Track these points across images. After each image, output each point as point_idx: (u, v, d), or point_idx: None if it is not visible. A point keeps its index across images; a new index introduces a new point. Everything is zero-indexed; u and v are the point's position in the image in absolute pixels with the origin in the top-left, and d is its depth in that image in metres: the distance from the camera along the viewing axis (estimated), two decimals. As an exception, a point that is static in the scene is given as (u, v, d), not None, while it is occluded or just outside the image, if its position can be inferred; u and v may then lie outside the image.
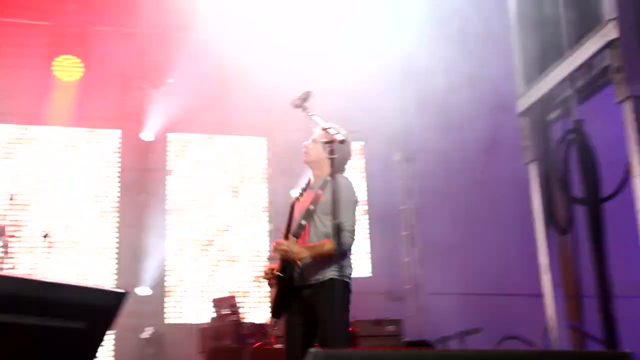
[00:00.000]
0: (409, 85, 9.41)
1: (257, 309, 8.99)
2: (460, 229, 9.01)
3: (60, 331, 2.14)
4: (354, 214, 4.03)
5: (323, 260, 3.94)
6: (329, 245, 3.89)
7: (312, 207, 4.08)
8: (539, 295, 5.56)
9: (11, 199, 5.94)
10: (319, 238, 4.00)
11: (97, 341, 2.26)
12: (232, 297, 6.83)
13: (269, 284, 4.11)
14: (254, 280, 9.04)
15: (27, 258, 8.21)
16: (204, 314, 8.46)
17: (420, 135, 9.41)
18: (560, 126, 5.11)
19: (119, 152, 9.03)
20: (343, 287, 3.90)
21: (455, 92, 8.30)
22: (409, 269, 9.33)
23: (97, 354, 2.32)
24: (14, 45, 8.38)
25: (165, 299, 8.80)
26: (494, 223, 9.05)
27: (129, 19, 8.73)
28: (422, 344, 6.53)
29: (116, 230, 8.80)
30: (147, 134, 8.99)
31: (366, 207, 9.71)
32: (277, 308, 4.05)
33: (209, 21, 8.81)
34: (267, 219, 9.39)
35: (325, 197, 4.01)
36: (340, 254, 3.87)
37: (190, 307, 8.87)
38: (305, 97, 4.01)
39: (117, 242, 8.77)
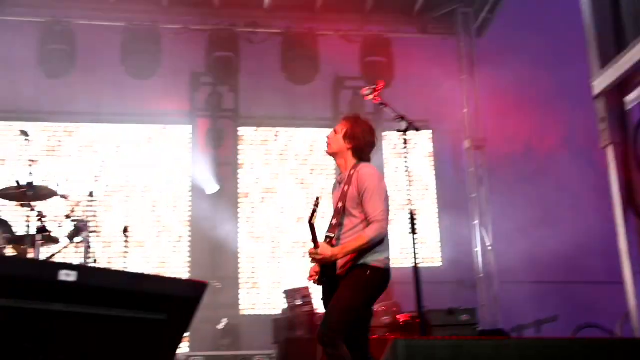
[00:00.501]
0: (478, 71, 9.30)
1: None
2: (532, 215, 8.85)
3: (144, 322, 2.17)
4: (381, 202, 3.90)
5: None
6: (360, 240, 3.84)
7: (340, 204, 4.03)
8: (617, 282, 5.41)
9: (91, 196, 6.12)
10: (353, 234, 3.94)
11: (180, 332, 2.29)
12: (305, 288, 6.87)
13: (316, 284, 4.10)
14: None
15: (106, 252, 8.49)
16: (278, 305, 8.57)
17: (491, 122, 9.29)
18: (639, 108, 4.95)
19: (190, 147, 9.20)
20: (372, 272, 3.84)
21: (526, 78, 8.17)
22: (481, 257, 9.21)
23: (179, 345, 2.37)
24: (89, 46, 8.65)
25: (240, 291, 8.94)
26: (568, 208, 8.86)
27: (197, 17, 8.90)
28: (498, 332, 6.43)
29: (189, 223, 8.98)
30: (218, 129, 9.12)
31: (436, 197, 9.63)
32: (326, 304, 3.98)
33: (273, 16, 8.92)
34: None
35: (352, 190, 3.96)
36: (374, 245, 3.84)
37: (263, 299, 8.99)
38: (377, 87, 3.99)
39: (190, 235, 8.94)
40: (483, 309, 8.80)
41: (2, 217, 5.98)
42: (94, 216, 6.27)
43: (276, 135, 9.55)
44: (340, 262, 3.91)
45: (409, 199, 3.85)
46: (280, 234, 9.22)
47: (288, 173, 9.45)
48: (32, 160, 5.27)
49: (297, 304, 6.76)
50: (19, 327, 1.94)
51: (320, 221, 3.85)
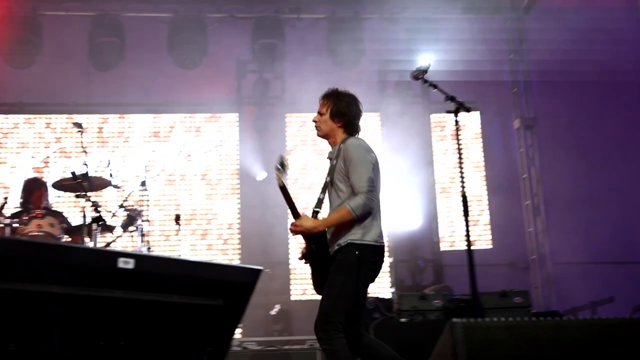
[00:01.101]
0: (527, 50, 9.15)
1: (380, 283, 9.04)
2: (585, 194, 8.70)
3: (200, 308, 2.20)
4: (367, 173, 3.77)
5: (344, 226, 3.78)
6: (343, 211, 3.73)
7: (328, 178, 3.98)
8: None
9: (143, 185, 6.23)
10: (337, 206, 3.86)
11: (236, 317, 2.32)
12: (356, 272, 6.87)
13: (307, 264, 4.05)
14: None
15: (159, 241, 8.65)
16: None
17: (540, 101, 9.13)
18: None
19: (238, 135, 9.27)
20: (361, 250, 3.74)
21: (575, 56, 8.00)
22: (533, 239, 9.08)
23: (235, 331, 2.40)
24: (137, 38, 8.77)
25: (291, 276, 9.01)
26: (622, 187, 8.67)
27: (242, 5, 8.93)
28: (553, 314, 6.34)
29: (238, 211, 9.06)
30: (265, 116, 9.17)
31: (484, 178, 9.52)
32: (316, 284, 3.94)
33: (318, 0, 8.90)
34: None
35: (339, 164, 3.88)
36: (361, 218, 3.74)
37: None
38: (425, 69, 3.95)
39: (240, 223, 9.03)
40: (536, 291, 8.70)
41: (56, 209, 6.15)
42: (146, 205, 6.37)
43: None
44: (332, 240, 3.84)
45: (462, 182, 3.80)
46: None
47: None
48: (86, 152, 5.38)
49: (348, 288, 6.76)
50: (80, 314, 2.00)
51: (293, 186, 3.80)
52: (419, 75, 3.95)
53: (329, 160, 4.06)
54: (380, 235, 3.84)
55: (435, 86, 3.95)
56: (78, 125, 5.45)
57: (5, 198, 5.81)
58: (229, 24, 8.90)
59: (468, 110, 3.79)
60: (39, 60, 8.46)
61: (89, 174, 5.45)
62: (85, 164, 5.34)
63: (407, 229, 9.13)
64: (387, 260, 9.17)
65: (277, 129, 9.31)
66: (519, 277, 8.77)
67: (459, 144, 3.82)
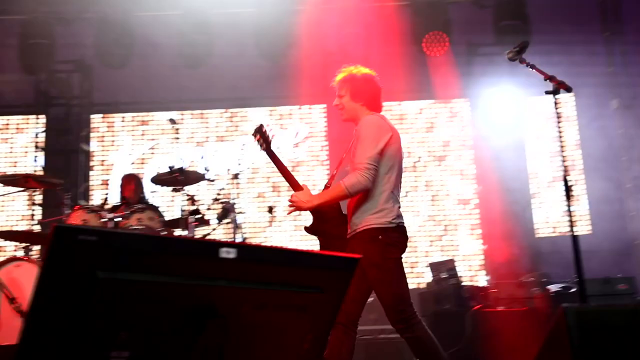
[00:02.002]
0: (625, 27, 8.76)
1: (473, 271, 8.90)
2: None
3: (300, 297, 2.21)
4: (370, 150, 3.65)
5: (363, 209, 3.69)
6: (337, 188, 3.64)
7: (344, 155, 3.93)
8: None
9: (236, 178, 6.35)
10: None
11: (335, 306, 2.32)
12: (451, 261, 6.80)
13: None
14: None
15: (253, 232, 8.80)
16: (422, 279, 8.55)
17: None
18: None
19: (326, 126, 9.31)
20: (383, 233, 3.66)
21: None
22: (637, 223, 8.70)
23: (333, 321, 2.40)
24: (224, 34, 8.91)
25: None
26: None
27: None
28: (660, 301, 6.07)
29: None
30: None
31: (582, 162, 9.18)
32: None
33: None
34: (475, 180, 9.23)
35: (354, 143, 3.82)
36: (366, 198, 3.65)
37: (406, 273, 8.97)
38: (521, 48, 3.83)
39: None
40: (640, 277, 8.35)
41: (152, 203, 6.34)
42: (239, 197, 6.51)
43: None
44: (351, 223, 3.74)
45: (564, 166, 3.66)
46: (418, 205, 9.17)
47: (417, 144, 9.35)
48: (180, 147, 5.51)
49: (442, 276, 6.71)
50: (184, 304, 2.04)
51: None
52: (515, 55, 3.83)
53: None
54: (399, 216, 3.77)
55: (533, 66, 3.81)
56: (172, 121, 5.60)
57: (106, 194, 6.04)
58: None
59: (569, 90, 3.64)
60: (132, 59, 8.74)
61: (185, 168, 5.58)
62: (181, 159, 5.47)
63: (500, 214, 8.95)
64: (481, 247, 9.01)
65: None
66: (621, 262, 8.42)
67: (559, 126, 3.68)
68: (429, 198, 9.19)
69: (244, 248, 2.14)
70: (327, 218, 3.86)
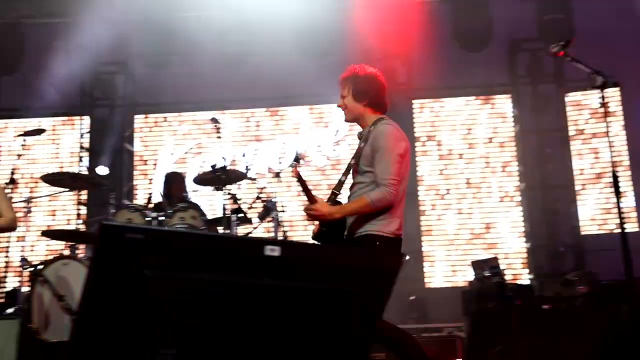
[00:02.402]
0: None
1: (516, 269, 8.79)
2: None
3: (343, 295, 2.21)
4: (393, 165, 3.57)
5: (365, 215, 3.62)
6: (362, 202, 3.57)
7: (352, 161, 3.77)
8: None
9: (277, 176, 6.37)
10: (357, 194, 3.69)
11: (379, 305, 2.32)
12: (494, 259, 6.72)
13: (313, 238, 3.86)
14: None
15: (294, 231, 8.82)
16: (463, 277, 8.48)
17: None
18: None
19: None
20: (382, 242, 3.58)
21: None
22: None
23: (376, 319, 2.38)
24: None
25: (425, 264, 8.93)
26: None
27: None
28: None
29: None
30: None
31: (627, 158, 8.98)
32: None
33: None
34: (518, 178, 9.11)
35: (367, 148, 3.68)
36: (380, 210, 3.57)
37: (448, 271, 8.92)
38: (566, 43, 3.75)
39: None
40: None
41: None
42: (281, 196, 6.54)
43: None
44: (351, 228, 3.68)
45: (612, 161, 3.58)
46: (461, 203, 9.09)
47: (459, 141, 9.25)
48: (222, 146, 5.55)
49: (485, 274, 6.63)
50: (230, 301, 2.05)
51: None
52: (560, 50, 3.75)
53: (360, 139, 3.87)
54: (400, 228, 3.70)
55: (578, 61, 3.73)
56: (214, 120, 5.63)
57: (150, 194, 6.12)
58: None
59: (615, 84, 3.55)
60: (174, 60, 8.83)
61: (227, 167, 5.62)
62: (223, 158, 5.51)
63: (543, 212, 8.83)
64: (524, 246, 8.90)
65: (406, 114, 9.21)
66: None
67: (606, 121, 3.60)
68: (471, 195, 9.10)
69: (288, 245, 2.15)
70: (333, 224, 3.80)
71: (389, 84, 9.17)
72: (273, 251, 2.05)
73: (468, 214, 9.04)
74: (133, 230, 1.88)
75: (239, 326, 2.07)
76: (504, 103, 9.34)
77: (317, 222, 3.82)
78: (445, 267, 8.93)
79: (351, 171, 3.85)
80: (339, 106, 3.88)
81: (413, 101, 9.33)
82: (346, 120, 3.92)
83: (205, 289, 1.99)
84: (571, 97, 9.13)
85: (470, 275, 7.30)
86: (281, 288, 2.10)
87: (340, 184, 3.82)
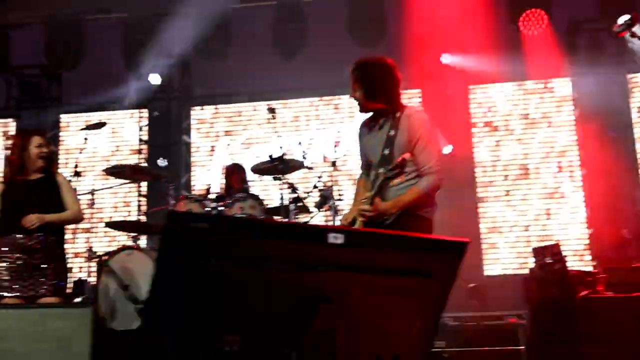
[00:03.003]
0: None
1: (582, 256, 8.61)
2: None
3: (408, 283, 2.20)
4: (437, 152, 3.59)
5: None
6: (414, 194, 3.52)
7: (386, 151, 3.56)
8: None
9: (333, 165, 6.38)
10: (403, 184, 3.58)
11: (444, 291, 2.30)
12: (556, 245, 6.58)
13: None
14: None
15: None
16: (523, 264, 8.35)
17: None
18: None
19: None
20: (427, 224, 3.57)
21: None
22: None
23: (444, 305, 2.36)
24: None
25: (483, 251, 8.83)
26: None
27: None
28: None
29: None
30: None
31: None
32: None
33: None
34: (579, 162, 8.90)
35: (401, 137, 3.54)
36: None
37: (507, 258, 8.80)
38: (632, 21, 3.64)
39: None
40: None
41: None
42: (337, 184, 6.55)
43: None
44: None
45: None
46: (521, 188, 8.94)
47: (517, 126, 9.08)
48: (280, 135, 5.58)
49: (547, 261, 6.51)
50: (294, 289, 2.06)
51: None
52: (624, 29, 3.64)
53: (367, 130, 3.78)
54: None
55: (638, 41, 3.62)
56: (271, 110, 5.66)
57: (209, 184, 6.21)
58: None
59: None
60: (229, 51, 8.90)
61: (284, 157, 5.65)
62: (280, 147, 5.54)
63: (606, 197, 8.61)
64: (586, 232, 8.70)
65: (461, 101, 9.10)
66: None
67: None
68: (530, 181, 8.94)
69: (351, 233, 2.15)
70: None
71: (445, 70, 9.11)
72: (336, 239, 2.06)
73: (527, 200, 8.88)
74: (198, 219, 1.91)
75: (303, 314, 2.08)
76: (563, 86, 9.12)
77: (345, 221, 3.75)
78: (504, 254, 8.80)
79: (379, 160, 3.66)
80: (353, 98, 3.75)
81: (469, 86, 9.19)
82: (362, 112, 3.80)
83: (269, 277, 2.01)
84: (634, 78, 8.86)
85: (531, 262, 7.19)
86: (345, 275, 2.11)
87: (378, 177, 3.61)
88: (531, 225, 8.80)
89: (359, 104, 3.73)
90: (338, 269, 2.09)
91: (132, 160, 9.37)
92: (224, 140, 9.49)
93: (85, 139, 5.60)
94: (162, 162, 7.81)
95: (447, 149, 8.77)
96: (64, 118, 9.81)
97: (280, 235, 2.01)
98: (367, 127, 3.81)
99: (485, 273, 8.74)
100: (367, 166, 3.86)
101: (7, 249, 4.50)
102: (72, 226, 5.96)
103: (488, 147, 9.10)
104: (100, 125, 6.00)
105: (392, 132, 3.57)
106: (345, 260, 2.09)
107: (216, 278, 1.95)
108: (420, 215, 3.58)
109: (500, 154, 9.06)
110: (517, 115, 9.12)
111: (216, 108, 9.64)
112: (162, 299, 1.94)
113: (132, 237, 6.13)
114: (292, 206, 5.51)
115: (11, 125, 9.76)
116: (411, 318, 2.25)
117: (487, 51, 8.62)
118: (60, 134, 9.73)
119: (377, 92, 3.63)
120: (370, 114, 3.79)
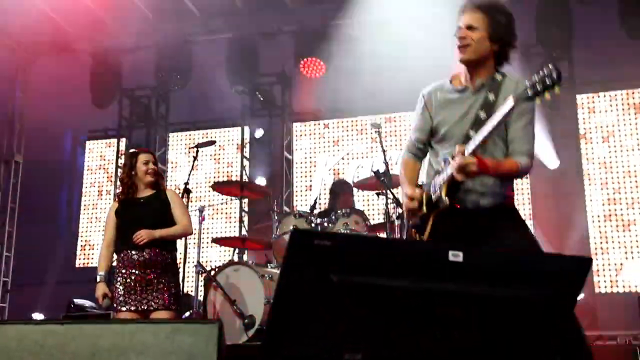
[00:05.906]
0: None
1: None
2: None
3: (529, 301, 2.15)
4: (534, 137, 3.10)
5: (497, 183, 3.12)
6: (513, 168, 3.04)
7: (482, 115, 3.02)
8: None
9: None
10: (494, 152, 3.09)
11: (568, 309, 2.23)
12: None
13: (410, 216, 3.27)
14: None
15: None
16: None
17: None
18: None
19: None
20: (518, 214, 3.19)
21: None
22: None
23: (566, 323, 2.28)
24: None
25: (594, 268, 8.47)
26: None
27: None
28: None
29: (529, 201, 8.75)
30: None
31: None
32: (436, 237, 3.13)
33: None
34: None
35: (499, 104, 2.95)
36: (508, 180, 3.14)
37: (622, 276, 8.41)
38: None
39: (531, 212, 8.68)
40: None
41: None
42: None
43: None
44: (483, 195, 3.11)
45: None
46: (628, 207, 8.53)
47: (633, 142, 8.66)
48: (385, 150, 5.57)
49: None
50: (414, 306, 2.05)
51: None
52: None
53: (467, 88, 3.19)
54: None
55: None
56: (376, 125, 5.65)
57: (315, 199, 6.26)
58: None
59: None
60: (330, 67, 8.93)
61: (388, 172, 5.62)
62: (384, 162, 5.52)
63: None
64: None
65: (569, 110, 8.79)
66: None
67: None
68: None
69: (471, 251, 2.12)
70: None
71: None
72: (456, 257, 2.03)
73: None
74: (321, 237, 1.92)
75: (423, 332, 2.06)
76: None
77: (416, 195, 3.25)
78: (617, 271, 8.42)
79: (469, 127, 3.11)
80: (462, 37, 3.12)
81: (577, 96, 8.85)
82: (462, 60, 3.16)
83: (390, 294, 2.00)
84: None
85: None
86: (465, 294, 2.07)
87: (467, 138, 3.06)
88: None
89: (472, 46, 3.13)
90: (457, 287, 2.06)
91: (235, 176, 9.59)
92: (325, 156, 9.56)
93: (195, 157, 5.75)
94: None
95: (554, 163, 8.49)
96: (172, 137, 10.18)
97: (400, 253, 2.01)
98: (446, 89, 3.30)
99: (597, 290, 8.39)
100: (424, 142, 3.40)
101: (121, 264, 4.69)
102: (182, 240, 6.14)
103: (598, 159, 8.71)
104: (210, 143, 6.16)
105: (492, 96, 3.07)
106: (464, 279, 2.06)
107: (337, 294, 1.96)
108: (516, 209, 3.22)
109: (611, 165, 8.68)
110: (629, 125, 8.72)
111: (318, 124, 9.73)
112: (284, 313, 1.97)
113: (238, 252, 6.25)
114: (397, 222, 5.46)
115: (122, 144, 10.20)
116: (533, 336, 2.19)
117: (593, 58, 8.34)
118: (169, 151, 10.10)
119: (501, 41, 3.11)
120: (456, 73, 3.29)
